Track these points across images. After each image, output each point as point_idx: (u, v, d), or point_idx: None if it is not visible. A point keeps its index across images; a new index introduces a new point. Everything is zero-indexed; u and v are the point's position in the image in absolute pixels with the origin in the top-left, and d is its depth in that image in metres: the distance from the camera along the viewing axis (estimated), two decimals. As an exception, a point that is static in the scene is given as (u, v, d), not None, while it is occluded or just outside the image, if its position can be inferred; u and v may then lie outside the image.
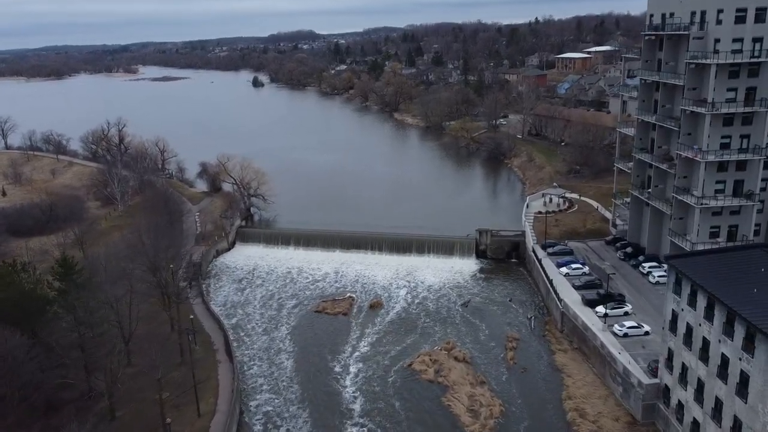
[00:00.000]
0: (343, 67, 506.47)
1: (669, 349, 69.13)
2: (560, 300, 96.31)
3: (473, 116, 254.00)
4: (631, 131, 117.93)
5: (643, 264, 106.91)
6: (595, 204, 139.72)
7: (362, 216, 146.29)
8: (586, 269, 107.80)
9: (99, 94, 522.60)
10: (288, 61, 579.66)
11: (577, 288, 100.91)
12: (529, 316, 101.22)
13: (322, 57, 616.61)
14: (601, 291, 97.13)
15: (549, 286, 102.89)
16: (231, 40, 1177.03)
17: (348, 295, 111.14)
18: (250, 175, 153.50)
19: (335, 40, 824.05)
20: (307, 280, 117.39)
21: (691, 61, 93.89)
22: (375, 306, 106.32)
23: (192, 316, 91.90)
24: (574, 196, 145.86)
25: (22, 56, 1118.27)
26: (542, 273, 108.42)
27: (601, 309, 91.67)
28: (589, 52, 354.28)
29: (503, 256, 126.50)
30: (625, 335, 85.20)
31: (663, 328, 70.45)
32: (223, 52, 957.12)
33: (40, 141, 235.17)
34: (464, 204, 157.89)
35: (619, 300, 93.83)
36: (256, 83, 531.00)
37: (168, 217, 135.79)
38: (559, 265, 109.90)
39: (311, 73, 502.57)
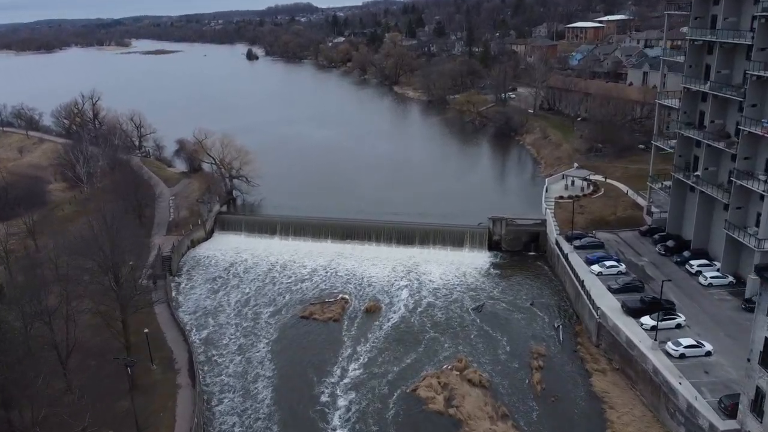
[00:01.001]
0: (341, 39, 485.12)
1: (758, 389, 52.43)
2: (596, 308, 79.40)
3: (479, 89, 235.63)
4: (674, 103, 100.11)
5: (690, 261, 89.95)
6: (623, 188, 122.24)
7: (358, 201, 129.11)
8: (623, 267, 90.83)
9: (86, 67, 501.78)
10: (284, 34, 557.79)
11: (614, 291, 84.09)
12: (556, 325, 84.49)
13: (319, 29, 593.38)
14: (646, 296, 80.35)
15: (579, 288, 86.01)
16: (227, 14, 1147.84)
17: (340, 296, 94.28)
18: (232, 154, 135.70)
19: (333, 12, 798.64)
20: (293, 278, 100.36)
21: (762, 14, 75.80)
22: (371, 310, 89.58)
23: (146, 330, 74.94)
24: (599, 178, 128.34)
25: (14, 30, 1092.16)
26: (569, 271, 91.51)
27: (647, 320, 75.07)
28: (601, 22, 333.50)
29: (520, 248, 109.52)
30: (682, 356, 68.53)
31: (748, 360, 53.62)
32: (218, 26, 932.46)
33: (11, 116, 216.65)
34: (473, 187, 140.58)
35: (668, 308, 76.99)
36: (250, 56, 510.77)
37: (136, 202, 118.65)
38: (590, 262, 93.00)
39: (308, 46, 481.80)
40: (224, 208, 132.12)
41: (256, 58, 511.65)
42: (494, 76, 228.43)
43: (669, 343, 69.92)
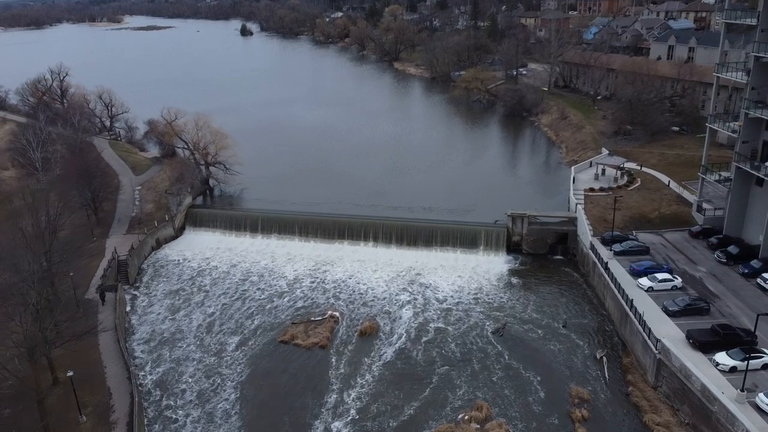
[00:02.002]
0: (339, 14, 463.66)
1: None
2: (653, 339, 61.99)
3: (487, 65, 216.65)
4: (737, 78, 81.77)
5: (763, 274, 72.44)
6: (663, 178, 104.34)
7: (353, 191, 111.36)
8: (678, 281, 73.22)
9: (72, 43, 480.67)
10: (280, 8, 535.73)
11: (672, 315, 66.74)
12: (598, 356, 67.24)
13: (316, 4, 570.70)
14: (717, 324, 62.82)
15: (627, 309, 68.54)
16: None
17: (329, 313, 76.95)
18: (207, 137, 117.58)
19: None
20: (268, 293, 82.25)
21: None
22: (367, 333, 72.36)
23: (71, 374, 57.38)
24: (632, 165, 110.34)
25: (6, 7, 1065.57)
26: (611, 285, 74.06)
27: (724, 358, 57.78)
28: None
29: (544, 251, 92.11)
30: (780, 414, 51.36)
31: None
32: (213, 1, 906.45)
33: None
34: (484, 175, 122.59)
35: (749, 341, 59.66)
36: (244, 32, 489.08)
37: (90, 195, 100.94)
38: (636, 273, 75.54)
39: (304, 21, 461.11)
40: (200, 200, 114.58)
41: (251, 33, 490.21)
42: (504, 50, 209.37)
43: (761, 396, 52.66)
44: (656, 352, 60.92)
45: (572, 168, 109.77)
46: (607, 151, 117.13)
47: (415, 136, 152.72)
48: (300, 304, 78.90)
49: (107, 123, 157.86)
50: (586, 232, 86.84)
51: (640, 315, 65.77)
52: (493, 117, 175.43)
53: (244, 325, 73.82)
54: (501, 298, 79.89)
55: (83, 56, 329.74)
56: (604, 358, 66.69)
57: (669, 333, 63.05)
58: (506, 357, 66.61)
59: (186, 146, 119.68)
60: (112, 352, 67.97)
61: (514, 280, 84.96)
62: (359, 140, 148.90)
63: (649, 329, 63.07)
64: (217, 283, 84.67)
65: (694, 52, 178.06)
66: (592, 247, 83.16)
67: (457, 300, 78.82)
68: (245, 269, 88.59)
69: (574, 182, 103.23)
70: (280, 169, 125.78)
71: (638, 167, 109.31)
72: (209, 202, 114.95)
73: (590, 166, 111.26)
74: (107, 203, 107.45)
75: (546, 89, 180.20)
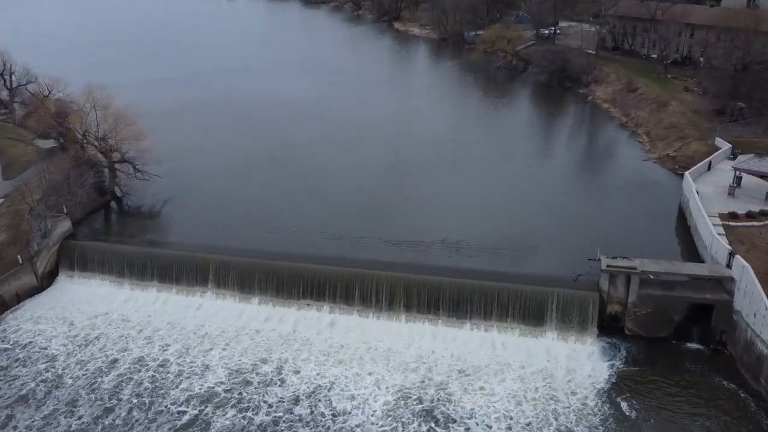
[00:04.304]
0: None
1: None
2: None
3: (512, 21, 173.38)
4: None
5: None
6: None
7: (331, 212, 70.07)
8: None
9: (46, 8, 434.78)
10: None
11: None
12: None
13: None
14: None
15: None
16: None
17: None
18: (108, 124, 75.63)
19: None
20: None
21: None
22: None
23: None
24: (777, 168, 68.90)
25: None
26: None
27: None
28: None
29: (667, 334, 51.58)
30: None
31: None
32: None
33: None
34: (532, 182, 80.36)
35: None
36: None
37: None
38: None
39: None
40: (99, 220, 73.52)
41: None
42: (533, 3, 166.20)
43: None
44: None
45: (686, 174, 67.56)
46: (729, 145, 75.22)
47: (422, 115, 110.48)
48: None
49: (6, 97, 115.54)
50: (761, 310, 45.99)
51: None
52: (525, 88, 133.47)
53: None
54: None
55: (46, 23, 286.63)
56: None
57: None
58: None
59: (80, 136, 77.88)
60: None
61: (624, 403, 44.89)
62: (348, 122, 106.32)
63: None
64: (48, 426, 43.47)
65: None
66: (784, 349, 42.54)
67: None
68: (114, 385, 47.16)
69: (699, 198, 61.67)
70: (224, 171, 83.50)
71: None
72: (105, 227, 73.63)
73: (708, 169, 69.90)
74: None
75: (593, 52, 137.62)
